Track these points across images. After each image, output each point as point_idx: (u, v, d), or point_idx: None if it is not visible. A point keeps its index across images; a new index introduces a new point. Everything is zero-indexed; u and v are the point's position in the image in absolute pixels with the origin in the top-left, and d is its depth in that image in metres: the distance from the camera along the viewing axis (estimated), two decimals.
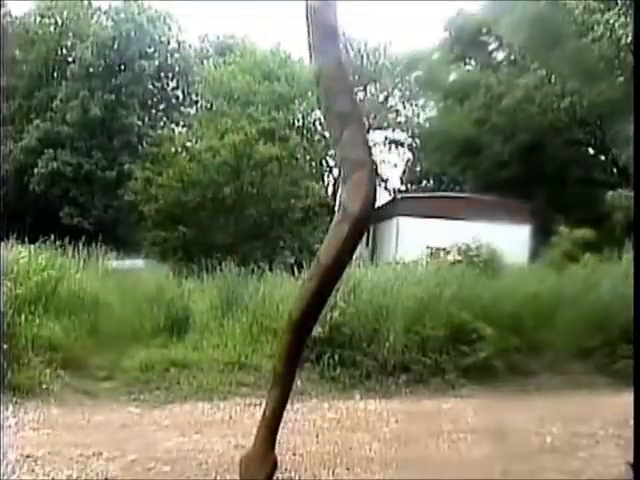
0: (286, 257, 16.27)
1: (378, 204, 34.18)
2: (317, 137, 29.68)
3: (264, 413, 1.65)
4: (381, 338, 8.30)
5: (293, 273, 10.80)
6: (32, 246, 9.95)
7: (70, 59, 30.94)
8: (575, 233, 21.32)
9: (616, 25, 21.59)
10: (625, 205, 21.86)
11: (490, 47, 35.89)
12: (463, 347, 8.71)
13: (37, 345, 6.93)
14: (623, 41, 21.47)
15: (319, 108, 30.00)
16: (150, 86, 32.71)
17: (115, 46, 29.79)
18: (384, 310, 8.62)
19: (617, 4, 21.95)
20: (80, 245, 10.64)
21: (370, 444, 5.61)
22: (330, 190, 34.65)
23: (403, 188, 39.51)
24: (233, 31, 38.85)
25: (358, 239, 1.61)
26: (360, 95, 38.09)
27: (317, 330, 8.05)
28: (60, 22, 31.15)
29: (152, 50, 31.62)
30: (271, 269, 10.99)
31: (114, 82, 30.20)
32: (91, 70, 29.62)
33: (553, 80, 27.44)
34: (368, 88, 38.57)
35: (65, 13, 31.10)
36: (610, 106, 24.91)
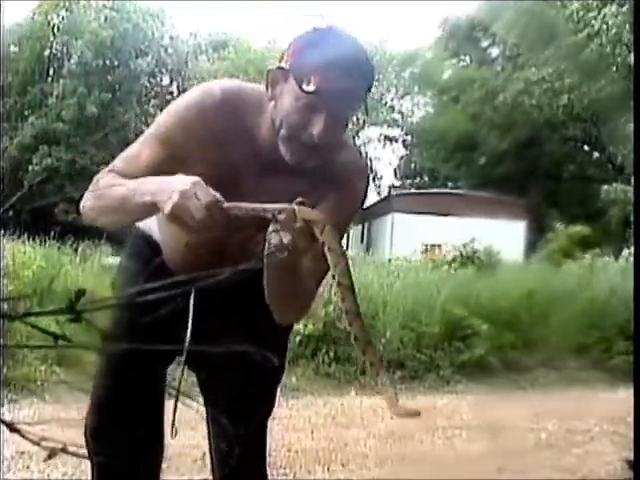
0: None
1: (373, 201, 34.31)
2: None
3: None
4: (376, 334, 8.29)
5: None
6: (27, 242, 9.94)
7: (66, 57, 30.83)
8: (570, 229, 21.39)
9: (611, 21, 21.61)
10: (620, 200, 21.92)
11: (485, 43, 35.93)
12: (458, 343, 8.72)
13: (32, 341, 6.90)
14: (619, 37, 21.49)
15: None
16: (146, 83, 32.67)
17: (109, 43, 29.70)
18: (379, 306, 8.62)
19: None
20: (75, 241, 10.63)
21: (365, 440, 5.60)
22: None
23: (398, 184, 39.51)
24: (227, 27, 38.86)
25: None
26: None
27: (310, 326, 8.05)
28: (54, 20, 31.03)
29: (146, 45, 31.55)
30: None
31: (110, 80, 30.16)
32: (87, 68, 29.55)
33: (549, 77, 27.45)
34: None
35: (59, 10, 30.99)
36: (606, 103, 24.95)
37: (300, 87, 1.76)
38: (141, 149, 1.96)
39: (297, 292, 1.96)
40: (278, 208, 1.68)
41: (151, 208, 1.75)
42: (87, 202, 1.95)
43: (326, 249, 1.69)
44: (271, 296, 1.94)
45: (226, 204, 1.68)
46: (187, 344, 1.82)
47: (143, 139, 1.99)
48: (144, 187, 1.77)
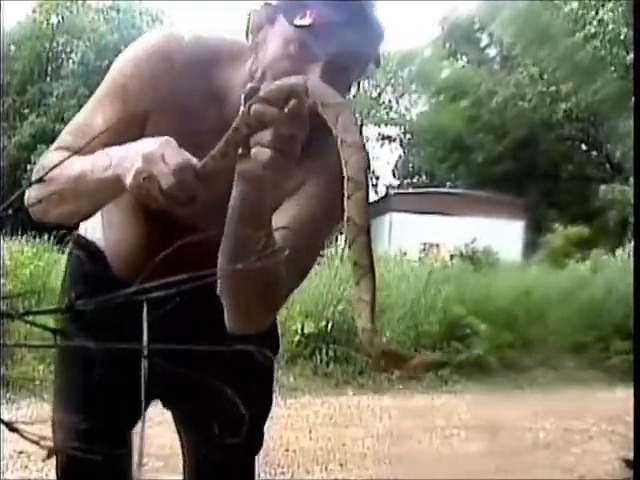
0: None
1: (371, 200, 34.23)
2: None
3: None
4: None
5: None
6: (24, 241, 9.93)
7: (66, 56, 30.86)
8: (569, 230, 21.39)
9: (608, 19, 21.61)
10: (618, 200, 21.93)
11: (483, 44, 35.95)
12: (457, 343, 8.72)
13: (30, 340, 6.90)
14: (616, 36, 21.49)
15: None
16: None
17: (110, 43, 29.71)
18: (378, 305, 8.61)
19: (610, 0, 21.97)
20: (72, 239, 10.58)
21: (363, 440, 5.60)
22: None
23: (396, 184, 39.47)
24: (225, 26, 38.69)
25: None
26: (353, 91, 38.04)
27: (310, 325, 8.04)
28: (54, 19, 31.06)
29: None
30: None
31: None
32: (88, 68, 29.55)
33: (546, 77, 27.43)
34: (361, 84, 38.50)
35: (59, 10, 30.99)
36: (604, 103, 24.94)
37: (291, 23, 1.38)
38: (92, 112, 1.62)
39: (266, 294, 1.46)
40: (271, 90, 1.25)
41: (114, 185, 1.36)
42: (32, 192, 1.53)
43: (339, 141, 1.24)
44: (232, 294, 1.46)
45: (199, 163, 1.31)
46: (146, 345, 1.47)
47: (93, 99, 1.67)
48: (103, 159, 1.38)
